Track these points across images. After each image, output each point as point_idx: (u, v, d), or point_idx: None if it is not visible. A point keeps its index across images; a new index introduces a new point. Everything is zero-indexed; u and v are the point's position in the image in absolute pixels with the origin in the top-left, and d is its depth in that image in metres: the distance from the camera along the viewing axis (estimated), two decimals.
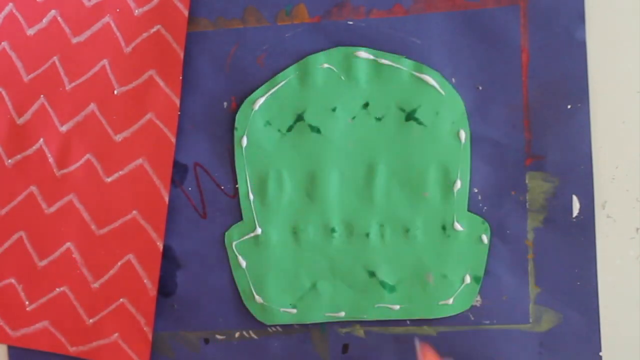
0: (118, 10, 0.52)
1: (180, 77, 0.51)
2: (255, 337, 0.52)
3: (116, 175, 0.52)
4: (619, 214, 0.49)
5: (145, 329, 0.52)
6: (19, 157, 0.53)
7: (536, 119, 0.49)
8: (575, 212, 0.49)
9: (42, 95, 0.53)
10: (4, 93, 0.53)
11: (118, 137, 0.52)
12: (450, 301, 0.49)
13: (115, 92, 0.52)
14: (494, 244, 0.49)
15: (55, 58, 0.53)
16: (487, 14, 0.49)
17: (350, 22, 0.50)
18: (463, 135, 0.49)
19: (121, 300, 0.52)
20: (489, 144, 0.49)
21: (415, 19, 0.50)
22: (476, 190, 0.49)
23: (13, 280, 0.53)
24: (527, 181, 0.49)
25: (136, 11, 0.52)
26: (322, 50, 0.50)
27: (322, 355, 0.52)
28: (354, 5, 0.50)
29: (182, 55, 0.51)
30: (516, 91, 0.49)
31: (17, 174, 0.53)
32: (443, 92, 0.49)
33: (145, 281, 0.52)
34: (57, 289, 0.53)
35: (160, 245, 0.52)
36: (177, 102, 0.51)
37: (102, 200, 0.52)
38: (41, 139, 0.53)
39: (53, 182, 0.53)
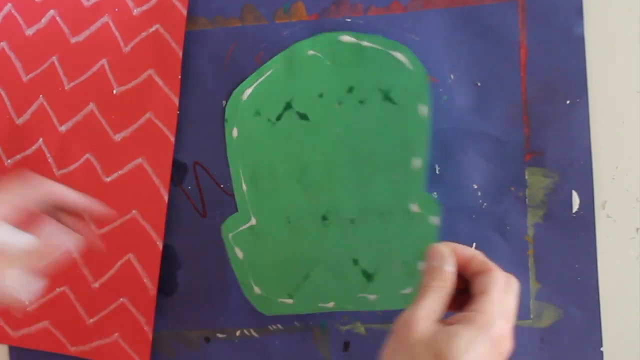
0: (117, 9, 0.52)
1: (179, 76, 0.51)
2: (256, 335, 0.52)
3: (115, 174, 0.52)
4: (619, 214, 0.49)
5: (145, 328, 0.52)
6: (18, 157, 0.53)
7: (535, 114, 0.49)
8: (575, 207, 0.49)
9: (41, 95, 0.53)
10: (3, 93, 0.54)
11: (117, 137, 0.52)
12: (410, 290, 0.48)
13: (115, 91, 0.52)
14: (494, 240, 0.49)
15: (54, 58, 0.53)
16: (485, 10, 0.49)
17: (348, 20, 0.50)
18: (424, 110, 0.48)
19: (121, 299, 0.52)
20: (488, 140, 0.49)
21: (413, 16, 0.50)
22: (476, 187, 0.49)
23: None
24: (526, 177, 0.49)
25: (135, 10, 0.52)
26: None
27: (324, 353, 0.52)
28: (351, 2, 0.50)
29: (180, 54, 0.51)
30: (515, 87, 0.49)
31: (16, 174, 0.53)
32: (411, 68, 0.48)
33: (145, 280, 0.52)
34: (57, 289, 0.53)
35: (160, 244, 0.52)
36: (176, 101, 0.51)
37: (102, 200, 0.52)
38: (40, 139, 0.53)
39: None
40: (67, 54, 0.53)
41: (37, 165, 0.53)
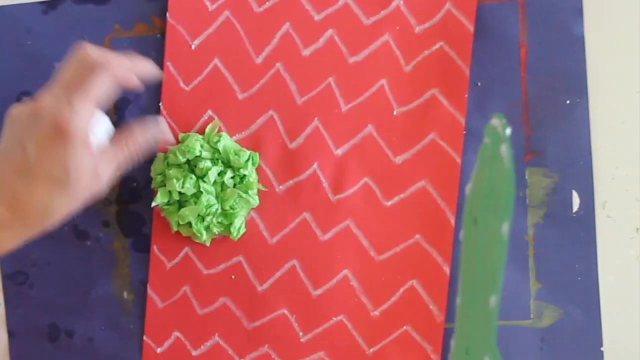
0: (398, 27, 0.49)
1: (466, 95, 0.49)
2: None
3: (396, 198, 0.50)
4: (619, 214, 0.49)
5: (432, 356, 0.49)
6: (291, 182, 0.51)
7: (535, 114, 0.49)
8: (576, 207, 0.49)
9: (316, 118, 0.50)
10: (276, 116, 0.51)
11: (398, 159, 0.50)
12: None
13: (395, 112, 0.50)
14: None
15: (330, 79, 0.50)
16: (486, 9, 0.49)
17: None
18: None
19: (404, 327, 0.50)
20: None
21: None
22: None
23: (286, 311, 0.51)
24: (526, 177, 0.49)
25: (417, 28, 0.49)
26: None
27: None
28: None
29: (467, 72, 0.49)
30: (515, 87, 0.49)
31: (289, 200, 0.51)
32: None
33: (431, 307, 0.49)
34: (334, 318, 0.50)
35: (447, 269, 0.49)
36: (463, 121, 0.49)
37: (382, 225, 0.50)
38: (315, 164, 0.50)
39: (328, 208, 0.50)
40: (345, 74, 0.50)
41: (312, 191, 0.50)
